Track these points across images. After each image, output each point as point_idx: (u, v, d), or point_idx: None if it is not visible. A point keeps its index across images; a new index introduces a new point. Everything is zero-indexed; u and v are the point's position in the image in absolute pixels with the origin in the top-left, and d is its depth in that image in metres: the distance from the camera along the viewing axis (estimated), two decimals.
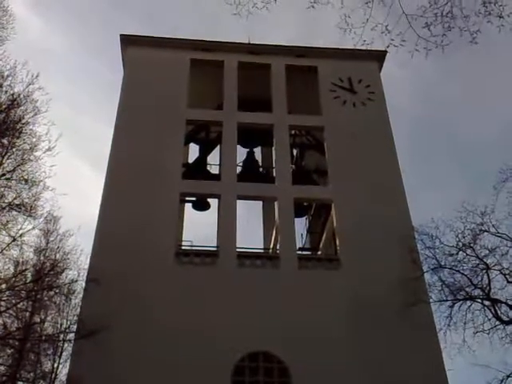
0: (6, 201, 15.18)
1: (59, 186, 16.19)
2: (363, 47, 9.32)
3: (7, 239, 15.32)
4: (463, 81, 50.99)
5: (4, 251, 15.29)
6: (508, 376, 15.49)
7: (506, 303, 16.29)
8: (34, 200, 15.57)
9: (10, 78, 15.55)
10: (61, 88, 47.63)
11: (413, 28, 8.94)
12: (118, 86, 23.71)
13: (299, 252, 21.10)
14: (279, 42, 25.97)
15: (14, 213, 15.37)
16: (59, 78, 46.30)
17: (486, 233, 16.79)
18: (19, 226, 15.52)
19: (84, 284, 16.70)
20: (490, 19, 8.98)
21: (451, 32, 9.08)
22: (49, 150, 15.52)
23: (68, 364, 16.17)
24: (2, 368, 16.33)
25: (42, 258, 16.97)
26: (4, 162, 15.07)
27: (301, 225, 24.52)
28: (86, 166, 55.25)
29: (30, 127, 15.60)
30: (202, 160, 24.44)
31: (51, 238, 17.45)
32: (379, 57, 24.78)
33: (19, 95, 15.50)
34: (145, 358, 16.16)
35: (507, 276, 16.36)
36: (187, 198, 22.97)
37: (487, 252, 16.73)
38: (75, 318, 16.52)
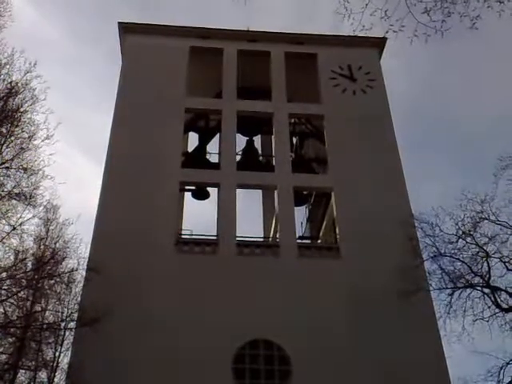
0: (6, 189, 15.12)
1: (58, 174, 16.14)
2: (362, 33, 9.21)
3: (7, 228, 15.31)
4: (462, 69, 50.75)
5: (4, 240, 15.27)
6: (507, 363, 15.51)
7: (505, 291, 16.25)
8: (34, 189, 15.51)
9: (7, 66, 15.42)
10: (58, 77, 47.48)
11: (412, 13, 8.82)
12: (116, 75, 23.67)
13: (299, 240, 21.12)
14: (278, 30, 25.67)
15: (14, 201, 15.32)
16: (56, 68, 46.11)
17: (485, 220, 16.69)
18: (19, 215, 15.48)
19: (84, 273, 16.73)
20: (490, 4, 8.88)
21: (451, 18, 8.97)
22: (47, 138, 15.44)
23: (69, 352, 16.24)
24: (4, 356, 16.35)
25: (42, 246, 16.96)
26: (3, 150, 15.01)
27: (301, 213, 24.57)
28: (83, 155, 55.14)
29: (29, 115, 15.47)
30: (201, 149, 24.39)
31: (51, 227, 17.41)
32: (379, 44, 24.64)
33: (17, 83, 15.39)
34: (145, 345, 16.24)
35: (507, 264, 16.31)
36: (187, 187, 22.96)
37: (487, 240, 16.66)
38: (76, 306, 16.53)
